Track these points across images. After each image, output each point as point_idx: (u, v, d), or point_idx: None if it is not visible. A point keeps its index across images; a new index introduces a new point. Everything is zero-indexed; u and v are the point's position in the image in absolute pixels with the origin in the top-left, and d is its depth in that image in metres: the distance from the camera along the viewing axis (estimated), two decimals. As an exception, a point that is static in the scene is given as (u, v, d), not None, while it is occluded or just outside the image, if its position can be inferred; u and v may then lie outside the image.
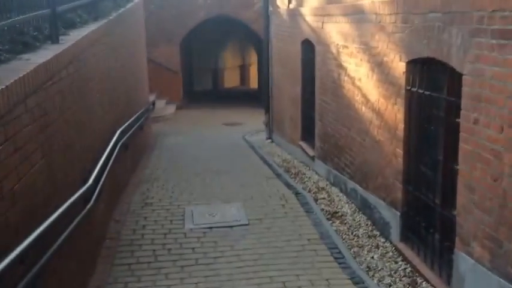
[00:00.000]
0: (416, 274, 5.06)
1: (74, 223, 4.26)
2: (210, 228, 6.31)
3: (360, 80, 6.44)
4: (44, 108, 3.85)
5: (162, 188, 8.02)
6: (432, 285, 4.78)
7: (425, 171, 5.03)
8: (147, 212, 6.91)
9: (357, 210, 6.85)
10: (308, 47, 8.88)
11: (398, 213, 5.55)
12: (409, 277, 5.09)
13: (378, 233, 6.17)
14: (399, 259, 5.47)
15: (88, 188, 4.75)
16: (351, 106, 6.86)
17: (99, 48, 6.30)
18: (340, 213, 6.82)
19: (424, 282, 4.90)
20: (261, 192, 7.68)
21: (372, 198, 6.33)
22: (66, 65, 4.52)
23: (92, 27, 6.13)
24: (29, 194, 3.46)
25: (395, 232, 5.71)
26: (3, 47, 3.85)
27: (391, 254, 5.64)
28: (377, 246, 5.84)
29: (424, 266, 5.03)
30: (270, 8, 11.68)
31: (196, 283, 5.00)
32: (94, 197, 4.88)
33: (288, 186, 8.00)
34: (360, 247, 5.84)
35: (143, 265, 5.40)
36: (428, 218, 5.03)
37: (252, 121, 15.70)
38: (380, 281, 5.07)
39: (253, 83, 26.88)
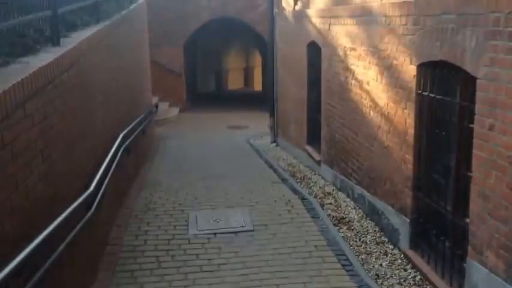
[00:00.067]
0: (426, 282, 4.93)
1: (75, 231, 4.13)
2: (215, 234, 6.18)
3: (368, 83, 6.30)
4: (44, 112, 3.73)
5: (166, 192, 7.89)
6: (443, 295, 4.65)
7: (437, 178, 4.89)
8: (150, 217, 6.78)
9: (365, 216, 6.71)
10: (314, 50, 8.74)
11: (408, 220, 5.41)
12: (419, 285, 4.97)
13: (386, 239, 6.03)
14: (408, 267, 5.33)
15: (89, 195, 4.61)
16: (359, 110, 6.72)
17: (101, 50, 6.19)
18: (347, 219, 6.68)
19: (434, 291, 4.77)
20: (266, 197, 7.55)
21: (380, 204, 6.19)
22: (67, 68, 4.40)
23: (94, 29, 6.01)
24: (27, 202, 3.34)
25: (404, 239, 5.57)
26: (1, 49, 3.72)
27: (400, 261, 5.51)
28: (385, 253, 5.71)
29: (434, 274, 4.89)
30: (275, 10, 11.55)
31: (200, 291, 4.88)
32: (95, 204, 4.74)
33: (294, 191, 7.86)
34: (367, 254, 5.70)
35: (146, 272, 5.28)
36: (439, 225, 4.89)
37: (256, 124, 15.59)
38: (389, 289, 4.94)
39: (258, 85, 26.76)
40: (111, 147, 6.24)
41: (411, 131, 5.14)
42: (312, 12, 8.72)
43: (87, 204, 4.62)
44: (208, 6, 18.08)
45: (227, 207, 7.14)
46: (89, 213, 4.61)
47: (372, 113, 6.25)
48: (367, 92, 6.33)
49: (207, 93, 23.87)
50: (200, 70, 23.73)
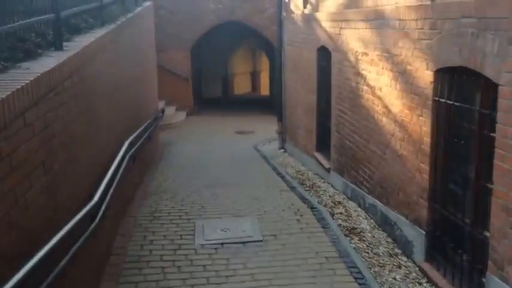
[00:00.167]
0: (443, 297, 4.73)
1: (78, 244, 3.97)
2: (222, 244, 6.00)
3: (380, 89, 6.11)
4: (45, 121, 3.56)
5: (171, 200, 7.72)
6: (461, 311, 4.45)
7: (454, 189, 4.70)
8: (156, 226, 6.61)
9: (376, 226, 6.51)
10: (324, 54, 8.56)
11: (423, 232, 5.20)
12: (435, 300, 4.77)
13: (399, 251, 5.83)
14: (423, 280, 5.15)
15: (94, 206, 4.45)
16: (371, 117, 6.52)
17: (106, 55, 6.03)
18: (358, 230, 6.47)
19: (452, 307, 4.56)
20: (274, 206, 7.36)
21: (393, 215, 5.99)
22: (70, 74, 4.23)
23: (99, 32, 5.85)
24: (27, 216, 3.17)
25: (419, 251, 5.36)
26: (1, 54, 3.55)
27: (414, 274, 5.32)
28: (399, 266, 5.51)
29: (451, 289, 4.69)
30: (284, 14, 11.38)
31: (207, 305, 4.71)
32: (100, 215, 4.57)
33: (303, 199, 7.67)
34: (380, 266, 5.50)
35: (151, 283, 5.11)
36: (456, 238, 4.71)
37: (264, 129, 15.45)
38: (404, 304, 4.74)
39: (264, 90, 26.58)
40: (117, 156, 6.08)
41: (427, 139, 4.94)
42: (322, 15, 8.54)
43: (91, 215, 4.46)
44: (215, 10, 17.94)
45: (235, 216, 6.96)
46: (93, 225, 4.45)
47: (384, 119, 6.05)
48: (380, 98, 6.14)
49: (213, 98, 23.72)
50: (206, 75, 23.58)
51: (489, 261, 4.09)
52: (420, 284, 5.10)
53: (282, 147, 12.27)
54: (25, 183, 3.15)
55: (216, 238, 6.14)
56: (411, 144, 5.32)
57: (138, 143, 7.65)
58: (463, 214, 4.56)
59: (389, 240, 6.09)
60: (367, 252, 5.82)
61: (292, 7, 10.84)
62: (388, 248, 5.94)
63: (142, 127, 8.40)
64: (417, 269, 5.36)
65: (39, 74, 3.37)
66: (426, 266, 5.19)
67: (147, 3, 11.61)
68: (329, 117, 8.51)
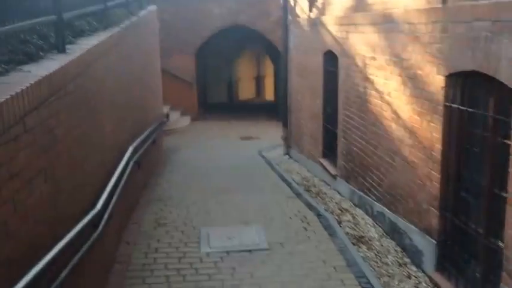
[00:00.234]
0: (455, 308, 4.59)
1: (80, 253, 3.87)
2: (228, 252, 5.89)
3: (389, 94, 5.98)
4: (46, 126, 3.46)
5: (176, 207, 7.61)
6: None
7: (467, 197, 4.56)
8: (160, 233, 6.50)
9: (385, 234, 6.37)
10: (331, 59, 8.44)
11: (434, 241, 5.06)
12: (447, 312, 4.62)
13: (408, 260, 5.69)
14: (434, 291, 4.99)
15: (96, 214, 4.34)
16: (379, 123, 6.39)
17: (110, 58, 5.93)
18: (366, 238, 6.34)
19: (464, 319, 4.42)
20: (281, 213, 7.24)
21: (402, 223, 5.85)
22: (73, 77, 4.13)
23: (103, 35, 5.75)
24: (27, 225, 3.06)
25: (429, 261, 5.22)
26: (1, 57, 3.45)
27: (424, 285, 5.19)
28: (409, 276, 5.37)
29: (463, 300, 4.55)
30: (289, 18, 11.28)
31: (213, 316, 4.59)
32: (102, 223, 4.47)
33: (310, 207, 7.54)
34: (390, 276, 5.37)
35: (155, 293, 4.99)
36: (468, 247, 4.57)
37: (268, 135, 15.36)
38: (415, 316, 4.61)
39: (269, 95, 26.44)
40: (120, 161, 5.99)
41: (438, 146, 4.80)
42: (329, 19, 8.42)
43: (93, 223, 4.35)
44: (220, 14, 17.86)
45: (240, 224, 6.84)
46: (96, 234, 4.34)
47: (393, 125, 5.92)
48: (388, 104, 6.01)
49: (218, 103, 23.63)
50: (211, 79, 23.50)
51: (503, 272, 3.96)
52: (431, 294, 4.97)
53: (287, 153, 12.14)
54: (25, 191, 3.05)
55: (222, 246, 6.03)
56: (421, 151, 5.19)
57: (143, 149, 7.55)
58: (476, 223, 4.42)
59: (398, 249, 5.95)
60: (376, 262, 5.69)
61: (297, 11, 10.73)
62: (397, 257, 5.80)
63: (146, 132, 8.30)
64: (427, 279, 5.22)
65: (40, 78, 3.27)
66: (437, 276, 5.05)
67: (152, 7, 11.53)
68: (335, 123, 8.38)
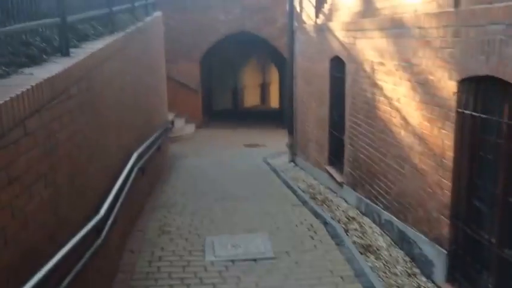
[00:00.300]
0: (466, 321, 4.44)
1: (83, 261, 3.77)
2: (233, 261, 5.76)
3: (398, 100, 5.87)
4: (48, 130, 3.37)
5: (181, 214, 7.50)
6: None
7: (479, 206, 4.42)
8: (164, 241, 6.39)
9: (393, 244, 6.23)
10: (337, 65, 8.34)
11: (445, 251, 4.92)
12: (459, 325, 4.48)
13: (418, 270, 5.54)
14: (445, 302, 4.85)
15: (99, 221, 4.24)
16: (387, 129, 6.28)
17: (114, 63, 5.85)
18: (374, 247, 6.19)
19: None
20: (286, 221, 7.12)
21: (411, 232, 5.71)
22: (76, 80, 4.04)
23: (108, 40, 5.67)
24: (27, 232, 2.95)
25: (439, 271, 5.08)
26: (2, 59, 3.36)
27: (435, 296, 5.03)
28: (418, 287, 5.22)
29: (475, 312, 4.41)
30: (295, 24, 11.20)
31: (217, 327, 4.46)
32: (105, 230, 4.36)
33: (316, 215, 7.41)
34: (398, 287, 5.22)
35: (159, 303, 4.88)
36: (481, 258, 4.43)
37: (273, 142, 15.28)
38: (426, 329, 4.46)
39: (274, 102, 26.41)
40: (125, 167, 5.89)
41: (449, 154, 4.67)
42: (336, 25, 8.33)
43: (96, 230, 4.25)
44: (225, 21, 17.83)
45: (246, 232, 6.72)
46: (98, 241, 4.24)
47: (402, 132, 5.80)
48: (398, 110, 5.89)
49: (223, 110, 23.59)
50: (216, 86, 23.47)
51: (517, 283, 3.82)
52: (441, 306, 4.83)
53: (293, 161, 12.03)
54: (24, 196, 2.95)
55: (227, 255, 5.91)
56: (432, 158, 5.06)
57: (148, 155, 7.46)
58: (489, 233, 4.29)
59: (407, 258, 5.81)
60: (384, 272, 5.55)
61: (304, 17, 10.66)
62: (406, 267, 5.65)
63: (151, 138, 8.21)
64: (438, 290, 5.08)
65: (42, 80, 3.18)
66: (447, 287, 4.91)
67: (157, 13, 11.50)
68: (342, 130, 8.27)
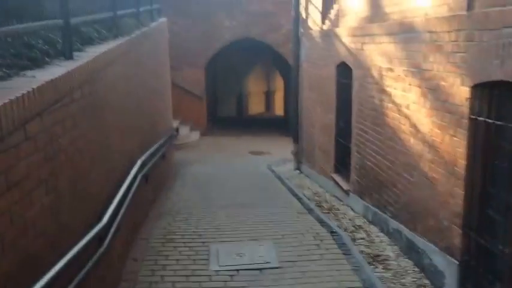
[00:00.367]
0: (479, 335, 4.30)
1: (85, 269, 3.65)
2: (237, 270, 5.63)
3: (407, 107, 5.75)
4: (50, 134, 3.27)
5: (185, 222, 7.38)
6: None
7: (493, 216, 4.29)
8: (168, 249, 6.26)
9: (402, 253, 6.08)
10: (344, 71, 8.24)
11: (456, 262, 4.78)
12: (471, 338, 4.33)
13: (428, 282, 5.40)
14: (456, 315, 4.70)
15: (102, 228, 4.13)
16: (396, 137, 6.15)
17: (119, 67, 5.76)
18: (382, 257, 6.05)
19: None
20: (292, 229, 6.97)
21: (421, 242, 5.57)
22: (80, 84, 3.95)
23: (112, 44, 5.59)
24: (26, 239, 2.85)
25: (450, 283, 4.93)
26: (3, 61, 3.27)
27: (445, 308, 4.88)
28: (428, 298, 5.08)
29: (487, 326, 4.26)
30: (301, 30, 11.12)
31: None
32: (108, 238, 4.25)
33: (322, 223, 7.27)
34: (408, 298, 5.09)
35: (162, 313, 4.76)
36: (494, 269, 4.28)
37: (278, 150, 15.20)
38: None
39: (278, 110, 26.33)
40: (128, 174, 5.78)
41: (462, 162, 4.54)
42: (342, 31, 8.24)
43: (99, 238, 4.14)
44: (230, 27, 17.78)
45: (251, 240, 6.59)
46: (101, 249, 4.12)
47: (412, 140, 5.68)
48: (407, 117, 5.77)
49: (227, 117, 23.52)
50: (221, 93, 23.41)
51: (533, 296, 3.68)
52: (452, 318, 4.68)
53: (298, 168, 11.91)
54: (24, 203, 2.84)
55: (232, 264, 5.77)
56: (443, 166, 4.93)
57: (152, 162, 7.36)
58: (503, 243, 4.15)
59: (417, 269, 5.67)
60: (393, 283, 5.40)
61: (309, 23, 10.58)
62: (416, 278, 5.51)
63: (156, 145, 8.12)
64: (449, 301, 4.93)
65: (43, 82, 3.08)
66: (459, 299, 4.77)
67: (162, 19, 11.44)
68: (349, 137, 8.15)
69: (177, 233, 6.83)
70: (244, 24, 17.72)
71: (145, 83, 7.98)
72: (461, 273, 4.75)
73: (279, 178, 11.21)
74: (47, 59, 3.80)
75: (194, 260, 5.93)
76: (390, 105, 6.30)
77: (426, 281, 5.40)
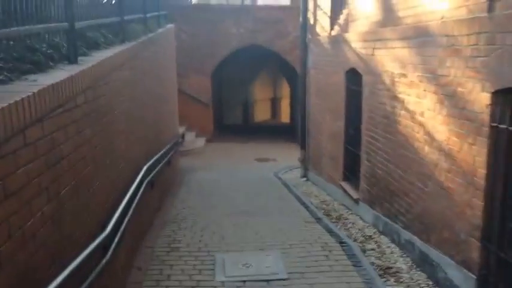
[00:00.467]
0: None
1: (88, 281, 3.49)
2: (244, 281, 5.45)
3: (422, 114, 5.56)
4: (51, 141, 3.11)
5: (190, 230, 7.20)
6: None
7: (515, 228, 4.09)
8: (174, 258, 6.09)
9: (414, 266, 5.88)
10: (354, 77, 8.07)
11: (474, 277, 4.57)
12: None
13: (442, 295, 5.20)
14: (473, 331, 4.49)
15: (105, 238, 3.96)
16: (409, 145, 5.97)
17: (125, 73, 5.62)
18: (394, 269, 5.85)
19: None
20: (300, 238, 6.78)
21: (435, 254, 5.37)
22: (84, 89, 3.80)
23: (118, 49, 5.44)
24: (25, 251, 2.68)
25: (467, 297, 4.72)
26: (4, 64, 3.12)
27: (462, 324, 4.67)
28: (443, 313, 4.88)
29: None
30: (309, 36, 10.98)
31: None
32: (112, 248, 4.08)
33: (330, 232, 7.08)
34: (422, 313, 4.88)
35: (166, 326, 4.58)
36: (516, 285, 4.08)
37: (284, 157, 15.08)
38: None
39: (285, 117, 26.18)
40: (133, 181, 5.63)
41: (482, 171, 4.35)
42: (352, 36, 8.08)
43: (102, 248, 3.97)
44: (237, 35, 17.67)
45: (258, 249, 6.41)
46: (104, 260, 3.96)
47: (426, 148, 5.49)
48: (421, 124, 5.59)
49: (233, 124, 23.40)
50: (227, 100, 23.30)
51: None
52: (469, 334, 4.48)
53: (305, 176, 11.73)
54: (23, 212, 2.68)
55: (238, 275, 5.59)
56: (460, 176, 4.74)
57: (157, 168, 7.20)
58: (525, 257, 3.95)
59: (430, 282, 5.46)
60: (407, 296, 5.21)
61: (317, 29, 10.43)
62: (430, 291, 5.31)
63: (161, 152, 7.97)
64: (465, 317, 4.73)
65: (45, 87, 2.92)
66: (476, 315, 4.56)
67: (170, 26, 11.33)
68: (358, 145, 7.96)
69: (182, 242, 6.67)
70: (251, 31, 17.61)
71: (151, 89, 7.84)
72: (480, 288, 4.55)
73: (286, 185, 11.04)
74: (50, 63, 3.65)
75: (200, 270, 5.75)
76: (403, 112, 6.12)
77: (441, 295, 5.21)
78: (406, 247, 6.19)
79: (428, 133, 5.41)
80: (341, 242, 6.64)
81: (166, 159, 8.31)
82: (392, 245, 6.55)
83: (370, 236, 7.04)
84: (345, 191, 8.66)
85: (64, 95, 3.29)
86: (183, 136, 13.33)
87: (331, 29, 9.44)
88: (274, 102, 27.97)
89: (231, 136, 19.94)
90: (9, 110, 2.42)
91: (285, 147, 17.13)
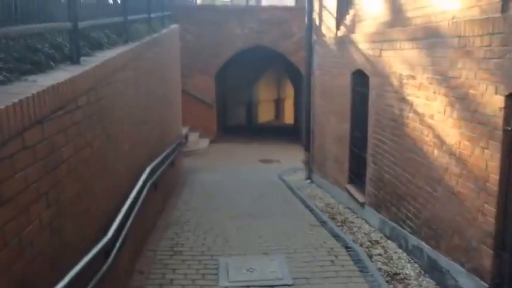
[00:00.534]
0: None
1: (90, 286, 3.38)
2: (248, 287, 5.33)
3: (431, 117, 5.43)
4: (51, 144, 3.00)
5: (193, 233, 7.10)
6: None
7: (529, 235, 3.97)
8: (176, 262, 5.98)
9: (422, 272, 5.75)
10: (360, 79, 7.94)
11: (486, 285, 4.44)
12: None
13: (452, 303, 5.07)
14: None
15: (107, 243, 3.86)
16: (417, 148, 5.84)
17: (128, 73, 5.51)
18: (401, 276, 5.72)
19: None
20: (305, 243, 6.66)
21: (444, 261, 5.24)
22: (85, 90, 3.69)
23: (121, 49, 5.34)
24: (22, 260, 2.57)
25: (478, 306, 4.60)
26: (4, 64, 3.01)
27: (473, 333, 4.54)
28: (453, 322, 4.75)
29: None
30: (314, 37, 10.85)
31: None
32: (114, 253, 3.97)
33: (336, 237, 6.95)
34: (431, 321, 4.76)
35: (168, 333, 4.47)
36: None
37: (288, 159, 14.96)
38: None
39: (288, 118, 26.06)
40: (136, 183, 5.52)
41: (495, 177, 4.22)
42: (358, 37, 7.95)
43: (104, 253, 3.86)
44: (242, 35, 17.55)
45: (262, 253, 6.30)
46: (106, 265, 3.85)
47: (436, 152, 5.36)
48: (431, 127, 5.46)
49: (237, 125, 23.29)
50: (230, 101, 23.18)
51: None
52: None
53: (309, 178, 11.60)
54: (21, 219, 2.57)
55: (242, 279, 5.48)
56: (472, 181, 4.61)
57: (161, 170, 7.10)
58: (540, 266, 3.83)
59: (440, 289, 5.34)
60: (415, 303, 5.09)
61: (323, 30, 10.31)
62: (439, 299, 5.19)
63: (165, 152, 7.86)
64: (476, 326, 4.60)
65: (45, 88, 2.81)
66: (488, 325, 4.43)
67: (174, 26, 11.22)
68: (364, 147, 7.83)
69: (185, 245, 6.56)
70: (255, 31, 17.49)
71: (155, 90, 7.73)
72: (492, 297, 4.42)
73: (290, 188, 10.92)
74: (51, 63, 3.55)
75: (203, 274, 5.65)
76: (411, 114, 5.99)
77: (450, 303, 5.08)
78: (413, 253, 6.06)
79: (438, 136, 5.29)
80: (347, 247, 6.52)
81: (169, 160, 8.20)
82: (400, 251, 6.42)
83: (377, 240, 6.91)
84: (350, 194, 8.53)
85: (65, 97, 3.18)
86: (186, 137, 13.22)
87: (337, 29, 9.31)
88: (278, 103, 27.86)
89: (235, 137, 19.84)
90: (7, 112, 2.31)
91: (289, 149, 17.00)
